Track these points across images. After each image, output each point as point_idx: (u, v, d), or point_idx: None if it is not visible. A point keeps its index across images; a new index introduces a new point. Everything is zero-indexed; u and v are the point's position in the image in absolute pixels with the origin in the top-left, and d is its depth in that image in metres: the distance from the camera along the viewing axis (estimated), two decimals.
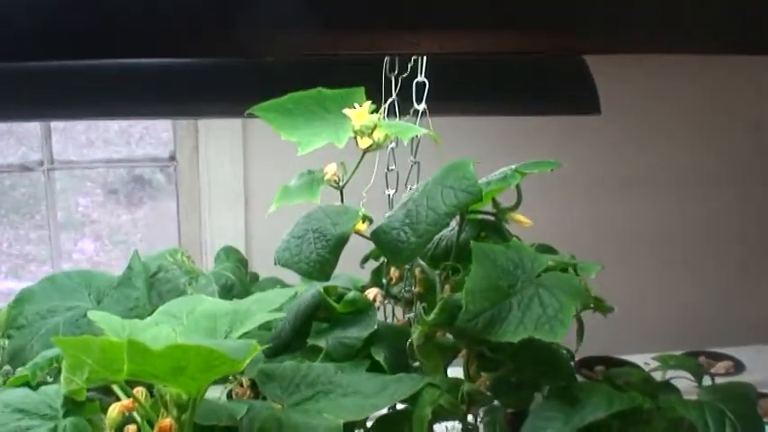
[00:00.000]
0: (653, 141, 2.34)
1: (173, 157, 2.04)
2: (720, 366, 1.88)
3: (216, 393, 1.40)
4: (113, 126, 2.16)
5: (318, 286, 1.16)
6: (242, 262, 1.54)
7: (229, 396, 1.43)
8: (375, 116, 0.96)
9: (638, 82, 2.23)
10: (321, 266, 0.92)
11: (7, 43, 0.78)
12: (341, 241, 0.92)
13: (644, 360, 1.29)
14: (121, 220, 2.29)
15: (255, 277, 1.61)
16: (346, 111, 0.97)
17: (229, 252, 1.55)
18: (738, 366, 1.91)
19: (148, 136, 2.14)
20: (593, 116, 1.31)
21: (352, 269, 1.25)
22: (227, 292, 1.44)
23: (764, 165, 2.47)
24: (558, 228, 1.81)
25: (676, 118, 2.34)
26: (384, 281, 1.15)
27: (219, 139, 1.92)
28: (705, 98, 2.35)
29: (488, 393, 1.02)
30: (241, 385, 1.42)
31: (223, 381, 1.43)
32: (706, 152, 2.38)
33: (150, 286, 1.43)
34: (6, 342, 1.34)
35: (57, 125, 2.08)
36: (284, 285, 1.44)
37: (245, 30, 0.79)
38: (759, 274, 2.53)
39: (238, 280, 1.47)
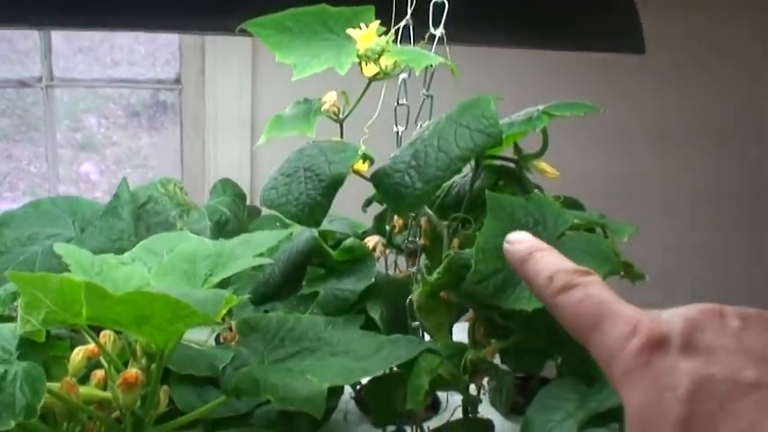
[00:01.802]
0: (697, 92, 2.17)
1: (178, 80, 1.91)
2: None
3: (203, 336, 1.30)
4: (117, 47, 2.04)
5: (314, 230, 1.05)
6: (240, 196, 1.43)
7: (218, 341, 1.34)
8: (383, 39, 0.83)
9: (687, 24, 2.06)
10: (311, 210, 0.80)
11: None
12: (335, 183, 0.80)
13: None
14: (126, 146, 2.19)
15: (257, 212, 1.49)
16: (351, 31, 0.83)
17: (227, 185, 1.44)
18: None
19: (153, 57, 2.02)
20: (634, 57, 1.16)
21: (353, 213, 1.13)
22: (220, 228, 1.33)
23: None
24: (587, 181, 1.68)
25: (726, 66, 2.17)
26: (387, 228, 1.02)
27: (227, 62, 1.79)
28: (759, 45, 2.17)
29: (495, 363, 0.90)
30: (230, 329, 1.31)
31: (212, 323, 1.33)
32: (755, 105, 2.21)
33: (138, 218, 1.33)
34: None
35: (58, 44, 1.96)
36: (285, 225, 1.31)
37: None
38: None
39: (234, 216, 1.35)
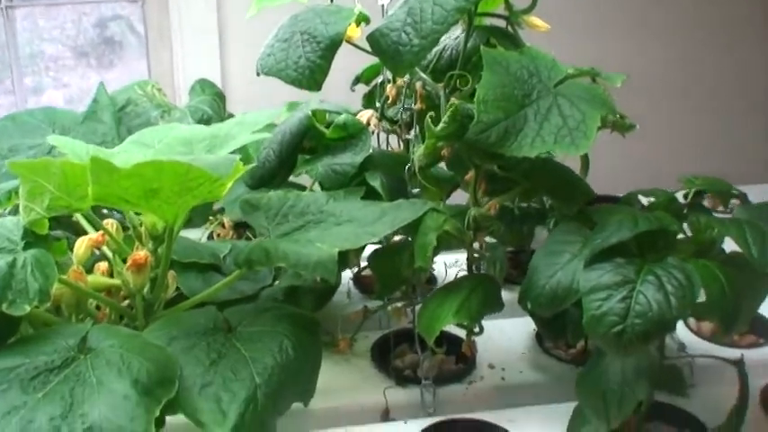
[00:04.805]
0: None
1: None
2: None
3: (196, 235, 1.31)
4: None
5: (306, 110, 1.05)
6: (219, 96, 1.42)
7: (210, 239, 1.35)
8: None
9: None
10: (311, 72, 0.80)
11: None
12: (333, 44, 0.80)
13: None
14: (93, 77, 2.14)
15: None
16: None
17: (205, 85, 1.43)
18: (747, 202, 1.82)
19: None
20: None
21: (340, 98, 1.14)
22: None
23: None
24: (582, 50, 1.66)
25: None
26: (378, 103, 1.03)
27: None
28: None
29: (497, 220, 0.92)
30: (222, 226, 1.33)
31: (204, 221, 1.34)
32: None
33: (119, 121, 1.31)
34: None
35: None
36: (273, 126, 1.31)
37: None
38: None
39: (216, 114, 1.35)
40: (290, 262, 0.86)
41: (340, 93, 1.12)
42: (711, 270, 0.80)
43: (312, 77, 0.80)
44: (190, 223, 1.29)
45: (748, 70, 2.34)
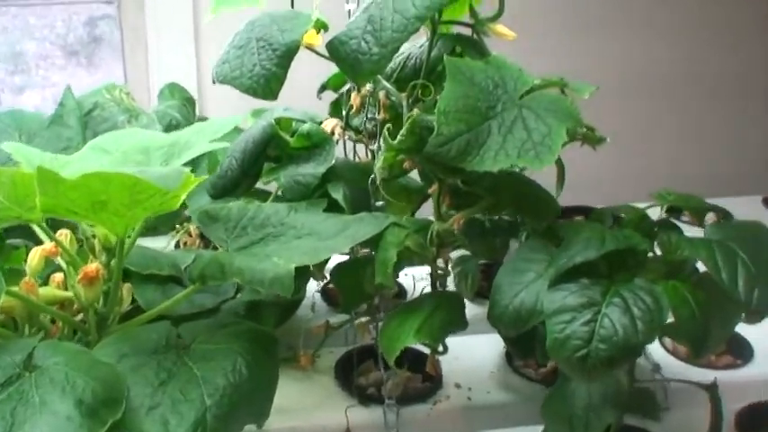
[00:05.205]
0: None
1: None
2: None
3: (161, 243, 1.27)
4: None
5: (270, 118, 1.02)
6: (189, 101, 1.39)
7: (177, 247, 1.31)
8: None
9: None
10: (267, 81, 0.77)
11: None
12: (290, 51, 0.77)
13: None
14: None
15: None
16: None
17: (174, 89, 1.40)
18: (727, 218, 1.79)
19: None
20: None
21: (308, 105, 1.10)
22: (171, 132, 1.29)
23: None
24: (549, 59, 1.64)
25: None
26: (344, 112, 1.00)
27: None
28: None
29: (461, 235, 0.89)
30: (189, 234, 1.29)
31: (170, 229, 1.30)
32: None
33: (85, 125, 1.28)
34: None
35: None
36: (240, 131, 1.28)
37: None
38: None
39: (185, 120, 1.32)
40: (246, 278, 0.83)
41: (310, 99, 1.09)
42: (681, 292, 0.77)
43: (267, 86, 0.77)
44: (155, 231, 1.27)
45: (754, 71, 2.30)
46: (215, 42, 1.71)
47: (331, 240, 0.88)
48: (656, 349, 1.07)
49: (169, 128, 1.31)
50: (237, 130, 1.11)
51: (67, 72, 2.09)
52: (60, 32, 2.06)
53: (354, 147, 1.07)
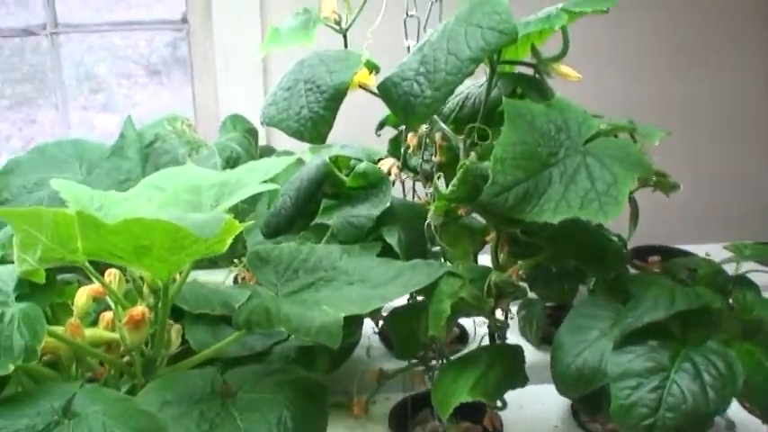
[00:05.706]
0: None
1: (184, 20, 1.84)
2: None
3: (219, 277, 1.25)
4: None
5: (325, 156, 0.99)
6: (250, 132, 1.36)
7: (236, 281, 1.29)
8: None
9: None
10: (314, 124, 0.74)
11: None
12: (338, 93, 0.73)
13: (706, 251, 1.09)
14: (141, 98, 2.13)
15: (270, 152, 1.43)
16: None
17: (236, 121, 1.38)
18: None
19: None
20: None
21: (368, 140, 1.07)
22: (231, 165, 1.27)
23: None
24: (614, 96, 1.59)
25: None
26: (402, 151, 0.96)
27: None
28: None
29: (521, 285, 0.84)
30: (247, 269, 1.27)
31: (228, 263, 1.28)
32: None
33: (145, 157, 1.27)
34: None
35: None
36: (301, 162, 1.25)
37: None
38: None
39: (245, 152, 1.30)
40: (292, 326, 0.80)
41: (369, 134, 1.06)
42: (756, 357, 0.71)
43: (315, 129, 0.74)
44: (215, 265, 1.25)
45: None
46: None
47: (382, 288, 0.84)
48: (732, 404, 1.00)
49: (229, 160, 1.29)
50: (300, 162, 1.09)
51: (149, 91, 2.12)
52: (144, 52, 2.09)
53: (414, 185, 1.03)
